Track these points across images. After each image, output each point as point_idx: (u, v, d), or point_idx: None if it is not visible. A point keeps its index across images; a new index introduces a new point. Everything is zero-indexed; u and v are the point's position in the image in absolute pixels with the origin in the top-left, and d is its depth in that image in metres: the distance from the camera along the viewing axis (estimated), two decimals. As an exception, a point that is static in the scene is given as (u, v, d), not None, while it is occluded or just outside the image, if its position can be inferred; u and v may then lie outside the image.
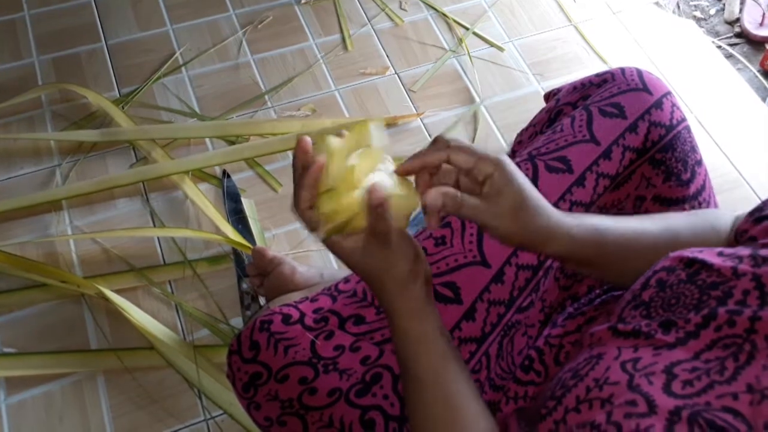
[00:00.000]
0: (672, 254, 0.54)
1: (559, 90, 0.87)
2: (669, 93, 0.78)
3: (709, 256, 0.51)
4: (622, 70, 0.80)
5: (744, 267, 0.48)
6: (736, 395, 0.41)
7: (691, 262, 0.52)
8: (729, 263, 0.49)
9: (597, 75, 0.82)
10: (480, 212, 0.53)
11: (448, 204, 0.53)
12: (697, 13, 1.67)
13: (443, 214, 0.55)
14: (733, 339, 0.45)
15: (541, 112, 0.87)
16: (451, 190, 0.53)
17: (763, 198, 1.30)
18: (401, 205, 0.54)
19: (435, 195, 0.52)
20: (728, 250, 0.51)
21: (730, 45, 1.59)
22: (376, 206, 0.51)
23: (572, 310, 0.74)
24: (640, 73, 0.79)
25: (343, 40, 1.50)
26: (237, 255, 1.18)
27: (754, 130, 1.42)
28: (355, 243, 0.55)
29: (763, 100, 1.47)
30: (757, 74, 1.53)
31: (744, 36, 1.61)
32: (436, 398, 0.56)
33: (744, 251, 0.50)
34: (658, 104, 0.76)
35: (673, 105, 0.78)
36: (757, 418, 0.40)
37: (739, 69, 1.53)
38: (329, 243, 0.55)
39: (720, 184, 1.31)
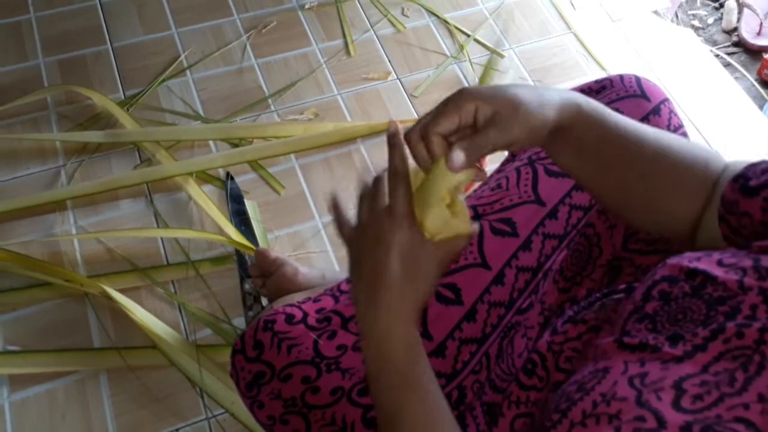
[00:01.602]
0: (670, 262, 0.54)
1: (558, 96, 0.88)
2: (667, 99, 0.79)
3: (710, 266, 0.50)
4: (621, 77, 0.81)
5: (750, 281, 0.47)
6: (747, 405, 0.41)
7: (692, 273, 0.51)
8: (734, 276, 0.48)
9: (596, 81, 0.83)
10: (492, 139, 0.53)
11: (469, 153, 0.53)
12: (696, 22, 1.68)
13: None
14: (741, 350, 0.44)
15: (541, 117, 0.88)
16: (464, 143, 0.53)
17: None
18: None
19: (457, 154, 0.53)
20: (728, 259, 0.51)
21: (728, 54, 1.61)
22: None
23: (572, 313, 0.74)
24: (638, 80, 0.80)
25: (346, 45, 1.51)
26: (240, 256, 1.19)
27: (752, 138, 1.44)
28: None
29: (761, 108, 1.49)
30: (755, 83, 1.55)
31: (741, 45, 1.63)
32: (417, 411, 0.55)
33: (746, 261, 0.49)
34: (656, 110, 0.78)
35: (671, 111, 0.79)
36: None
37: (736, 78, 1.55)
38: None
39: (717, 190, 1.33)
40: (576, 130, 0.57)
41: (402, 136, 0.56)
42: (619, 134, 0.58)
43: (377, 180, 0.58)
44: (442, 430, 0.54)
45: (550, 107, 0.55)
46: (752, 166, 0.55)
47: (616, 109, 0.77)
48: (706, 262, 0.51)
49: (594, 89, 0.83)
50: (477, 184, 0.83)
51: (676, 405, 0.42)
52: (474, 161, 0.54)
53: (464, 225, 0.56)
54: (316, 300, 0.76)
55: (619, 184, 0.60)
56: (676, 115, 0.79)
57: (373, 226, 0.55)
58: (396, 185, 0.55)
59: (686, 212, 0.58)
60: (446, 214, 0.55)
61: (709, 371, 0.44)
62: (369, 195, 0.57)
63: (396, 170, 0.55)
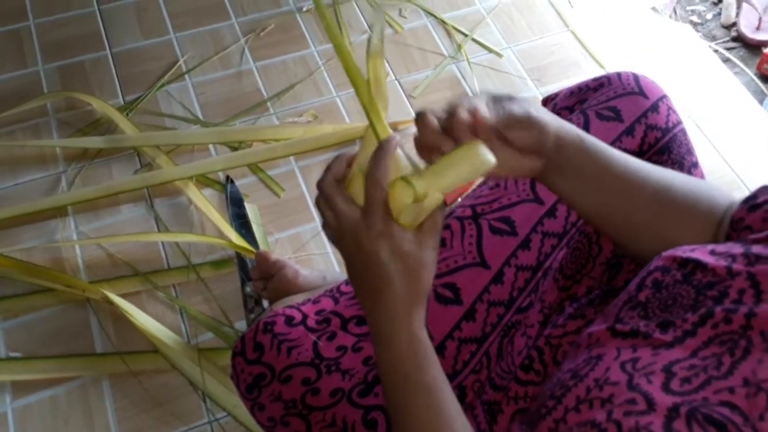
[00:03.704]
0: (665, 254, 0.55)
1: (556, 95, 0.88)
2: (665, 96, 0.79)
3: (703, 255, 0.52)
4: (619, 74, 0.81)
5: (738, 266, 0.48)
6: (732, 389, 0.42)
7: (685, 262, 0.52)
8: (723, 263, 0.49)
9: (594, 79, 0.83)
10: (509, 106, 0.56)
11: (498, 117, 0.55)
12: (694, 18, 1.68)
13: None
14: (729, 335, 0.45)
15: (538, 116, 0.88)
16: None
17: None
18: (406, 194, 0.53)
19: (483, 109, 0.54)
20: (720, 248, 0.52)
21: (727, 49, 1.61)
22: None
23: (572, 310, 0.74)
24: (636, 77, 0.80)
25: (344, 47, 1.51)
26: (240, 259, 1.19)
27: (751, 133, 1.43)
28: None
29: (760, 103, 1.48)
30: (754, 78, 1.54)
31: (741, 40, 1.62)
32: (429, 406, 0.55)
33: (736, 249, 0.51)
34: (654, 108, 0.78)
35: (669, 108, 0.79)
36: (752, 410, 0.40)
37: (736, 73, 1.55)
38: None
39: (718, 186, 1.32)
40: (577, 158, 0.58)
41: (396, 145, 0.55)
42: (621, 167, 0.60)
43: (328, 185, 0.56)
44: (449, 429, 0.54)
45: (555, 118, 0.58)
46: (764, 187, 0.57)
47: (614, 107, 0.78)
48: (699, 252, 0.52)
49: (592, 87, 0.83)
50: (477, 183, 0.83)
51: (665, 388, 0.43)
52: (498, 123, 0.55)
53: (435, 197, 0.54)
54: (315, 301, 0.76)
55: (620, 216, 0.61)
56: (674, 111, 0.79)
57: (350, 233, 0.54)
58: (373, 191, 0.53)
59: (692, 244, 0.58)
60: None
61: (698, 356, 0.45)
62: (329, 195, 0.56)
63: (376, 179, 0.53)
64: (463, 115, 0.54)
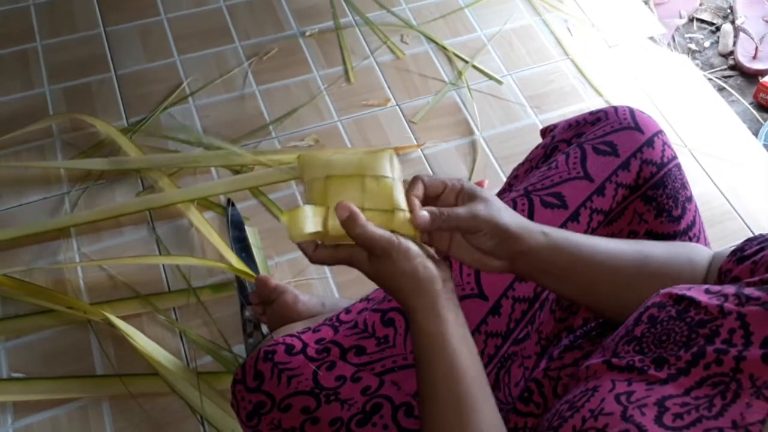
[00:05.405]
0: (662, 291, 0.56)
1: (555, 126, 0.90)
2: (660, 132, 0.81)
3: (697, 293, 0.53)
4: (615, 109, 0.82)
5: (729, 306, 0.50)
6: (721, 430, 0.43)
7: (680, 299, 0.54)
8: (715, 301, 0.51)
9: (591, 113, 0.85)
10: (460, 215, 0.60)
11: (437, 220, 0.59)
12: (692, 46, 1.71)
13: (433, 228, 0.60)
14: (720, 378, 0.47)
15: (537, 147, 0.89)
16: (435, 209, 0.60)
17: (756, 231, 1.32)
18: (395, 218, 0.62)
19: (423, 213, 0.60)
20: (715, 288, 0.53)
21: (724, 78, 1.63)
22: (343, 221, 0.59)
23: (567, 342, 0.75)
24: (632, 112, 0.82)
25: (346, 72, 1.53)
26: (240, 283, 1.20)
27: (747, 163, 1.45)
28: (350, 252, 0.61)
29: (756, 131, 1.50)
30: (750, 107, 1.56)
31: (738, 69, 1.64)
32: (447, 403, 0.56)
33: (729, 289, 0.52)
34: (650, 143, 0.79)
35: (664, 143, 0.80)
36: None
37: (732, 101, 1.57)
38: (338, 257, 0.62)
39: (713, 216, 1.34)
40: (543, 260, 0.61)
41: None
42: (590, 256, 0.63)
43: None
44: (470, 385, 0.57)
45: (523, 219, 0.61)
46: (749, 240, 0.59)
47: (611, 142, 0.79)
48: (695, 291, 0.54)
49: (589, 121, 0.84)
50: None
51: (658, 421, 0.45)
52: (436, 228, 0.60)
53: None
54: (315, 330, 0.77)
55: (598, 298, 0.65)
56: (669, 147, 0.80)
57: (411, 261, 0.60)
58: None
59: None
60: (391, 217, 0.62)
61: (691, 395, 0.47)
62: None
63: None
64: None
